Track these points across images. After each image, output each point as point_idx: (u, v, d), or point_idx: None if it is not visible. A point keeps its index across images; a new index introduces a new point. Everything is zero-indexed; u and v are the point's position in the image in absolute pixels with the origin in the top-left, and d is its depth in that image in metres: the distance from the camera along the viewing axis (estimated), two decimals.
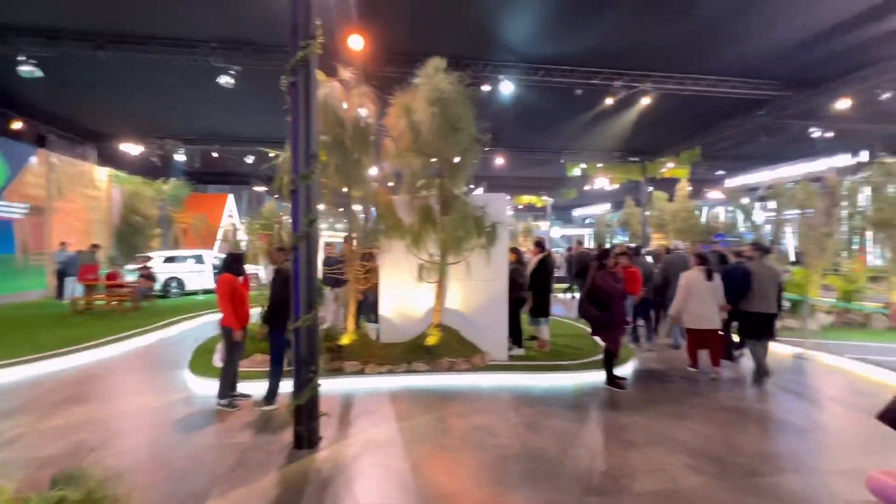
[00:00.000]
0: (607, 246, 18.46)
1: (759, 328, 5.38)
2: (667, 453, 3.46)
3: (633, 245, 10.59)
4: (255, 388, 4.73)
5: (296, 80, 3.49)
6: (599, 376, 5.23)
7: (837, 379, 5.50)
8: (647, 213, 20.30)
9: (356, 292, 5.97)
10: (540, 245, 6.77)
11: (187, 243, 17.18)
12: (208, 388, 4.85)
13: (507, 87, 11.19)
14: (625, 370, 5.69)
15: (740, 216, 9.40)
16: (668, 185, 19.93)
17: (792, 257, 12.25)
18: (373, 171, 6.19)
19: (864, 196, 9.46)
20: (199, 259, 13.79)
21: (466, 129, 5.48)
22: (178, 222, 17.54)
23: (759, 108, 13.00)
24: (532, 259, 6.76)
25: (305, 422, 3.54)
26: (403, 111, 5.53)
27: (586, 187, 23.11)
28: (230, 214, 22.04)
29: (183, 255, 13.96)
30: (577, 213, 27.64)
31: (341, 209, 6.21)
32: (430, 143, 5.47)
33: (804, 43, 9.48)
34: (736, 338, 6.01)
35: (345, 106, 5.58)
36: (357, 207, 6.05)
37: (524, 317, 6.63)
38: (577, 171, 18.81)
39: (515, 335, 6.31)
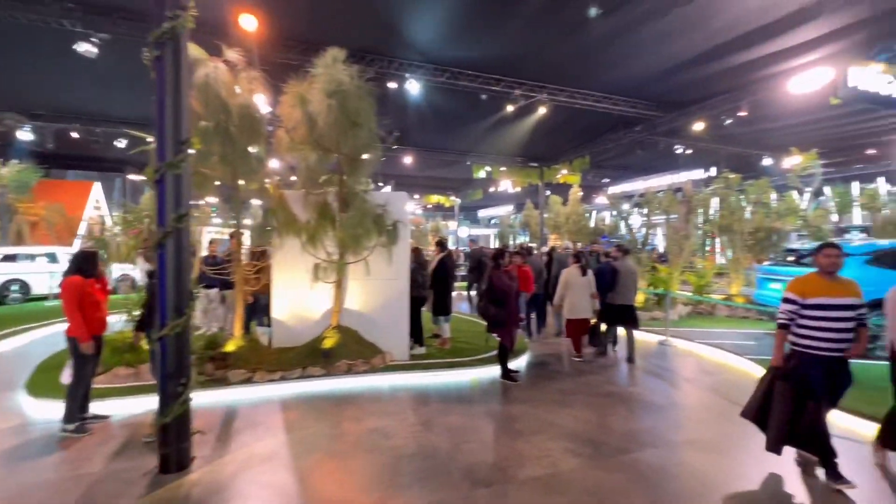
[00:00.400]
0: (509, 245, 19.49)
1: (623, 317, 6.25)
2: (550, 439, 3.71)
3: (527, 245, 11.32)
4: (115, 408, 4.10)
5: (162, 55, 3.07)
6: (496, 371, 5.47)
7: (690, 361, 6.39)
8: (546, 215, 21.86)
9: (244, 294, 5.49)
10: (441, 244, 6.87)
11: (38, 238, 14.45)
12: (52, 411, 4.09)
13: (413, 87, 11.20)
14: (519, 363, 6.01)
15: (620, 220, 10.50)
16: (563, 189, 21.66)
17: (653, 256, 14.10)
18: (266, 163, 5.75)
19: (713, 205, 11.22)
20: (52, 258, 11.65)
21: (367, 124, 5.34)
22: (24, 213, 14.66)
23: (635, 125, 14.71)
24: (433, 258, 6.85)
25: (174, 442, 3.14)
26: (298, 101, 5.21)
27: (491, 189, 24.19)
28: (97, 205, 19.02)
29: (29, 252, 11.69)
30: (483, 213, 28.78)
31: (230, 203, 5.67)
32: (327, 137, 5.23)
33: (670, 70, 10.91)
34: (603, 326, 6.72)
35: (237, 90, 5.10)
36: (247, 202, 5.57)
37: (426, 315, 6.68)
38: (482, 174, 19.56)
39: (417, 334, 6.32)
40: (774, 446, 3.17)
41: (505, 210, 26.19)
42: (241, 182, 5.30)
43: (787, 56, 9.83)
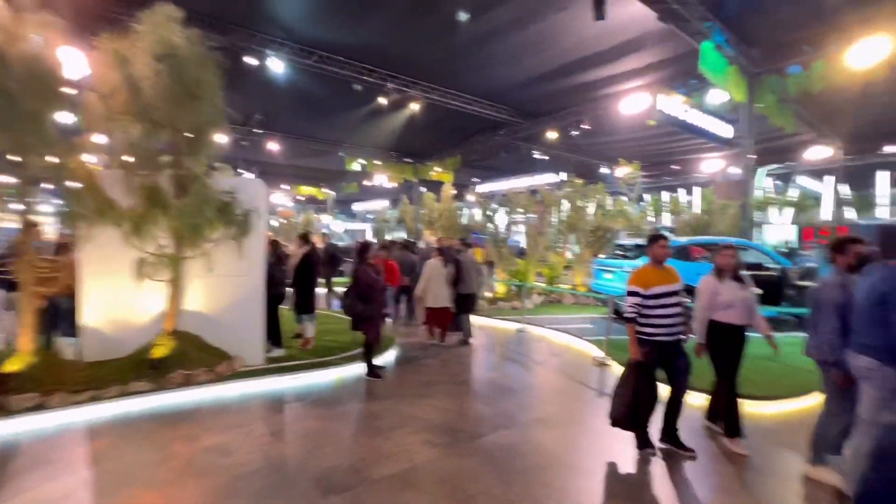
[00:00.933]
0: (392, 238, 19.34)
1: (466, 305, 6.79)
2: (410, 433, 3.68)
3: (405, 239, 11.36)
4: None
5: None
6: (362, 368, 5.28)
7: (542, 345, 7.06)
8: (422, 211, 22.27)
9: (35, 297, 4.33)
10: (305, 238, 6.41)
11: None
12: None
13: (277, 66, 10.27)
14: (386, 358, 5.93)
15: (487, 218, 11.18)
16: (437, 186, 22.31)
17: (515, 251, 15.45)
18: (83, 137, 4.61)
19: (564, 206, 12.65)
20: None
21: (209, 98, 4.64)
22: None
23: (501, 129, 15.83)
24: (296, 252, 6.35)
25: None
26: (117, 61, 4.28)
27: (367, 183, 23.72)
28: None
29: None
30: (358, 207, 28.09)
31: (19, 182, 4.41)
32: (157, 109, 4.41)
33: (528, 81, 11.95)
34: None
35: (23, 38, 3.95)
36: (50, 181, 4.41)
37: (289, 314, 6.16)
38: (356, 166, 19.03)
39: (274, 335, 5.79)
40: (646, 443, 3.35)
41: (381, 204, 25.97)
42: (37, 157, 4.15)
43: (619, 80, 11.55)
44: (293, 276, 6.10)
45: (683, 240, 8.44)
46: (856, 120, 13.41)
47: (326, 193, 27.73)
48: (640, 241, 9.16)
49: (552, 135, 14.44)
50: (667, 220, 19.33)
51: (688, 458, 3.32)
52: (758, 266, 8.06)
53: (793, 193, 16.54)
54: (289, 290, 6.21)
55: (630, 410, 3.28)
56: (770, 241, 15.20)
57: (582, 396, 4.79)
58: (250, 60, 9.95)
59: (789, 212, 16.10)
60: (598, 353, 6.10)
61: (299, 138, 17.35)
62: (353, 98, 12.65)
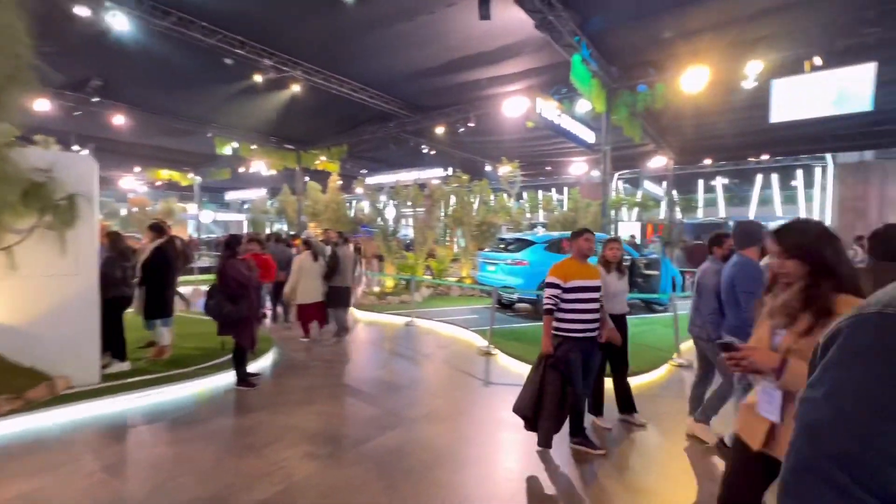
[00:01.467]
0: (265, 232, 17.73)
1: (340, 298, 6.60)
2: (287, 447, 3.33)
3: (280, 232, 10.50)
4: None
5: None
6: (231, 378, 4.68)
7: (430, 338, 7.09)
8: (306, 202, 20.90)
9: None
10: (157, 229, 5.43)
11: None
12: None
13: (121, 23, 8.57)
14: (261, 364, 5.36)
15: (374, 211, 10.88)
16: (322, 176, 21.15)
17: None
18: None
19: (451, 201, 12.96)
20: None
21: (11, 48, 3.59)
22: None
23: (390, 121, 15.56)
24: (147, 246, 5.36)
25: None
26: None
27: (241, 169, 21.45)
28: None
29: None
30: (232, 196, 25.26)
31: None
32: None
33: (417, 74, 11.88)
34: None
35: None
36: None
37: (134, 320, 5.18)
38: (228, 150, 17.04)
39: (116, 346, 4.81)
40: (546, 442, 3.19)
41: (257, 193, 23.70)
42: None
43: (502, 82, 12.14)
44: (142, 274, 5.13)
45: (555, 234, 9.24)
46: (684, 136, 16.16)
47: (191, 179, 24.40)
48: (521, 235, 9.78)
49: (440, 130, 14.65)
50: (541, 216, 21.17)
51: (598, 456, 3.28)
52: None
53: (639, 196, 19.37)
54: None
55: (533, 404, 3.18)
56: (621, 236, 17.60)
57: (469, 387, 4.89)
58: (81, 11, 8.12)
59: (636, 211, 18.83)
60: (483, 342, 6.32)
61: (156, 114, 14.86)
62: (225, 73, 11.21)
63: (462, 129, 14.25)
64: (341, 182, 21.77)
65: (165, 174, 24.37)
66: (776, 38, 8.70)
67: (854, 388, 0.60)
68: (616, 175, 21.54)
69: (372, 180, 19.10)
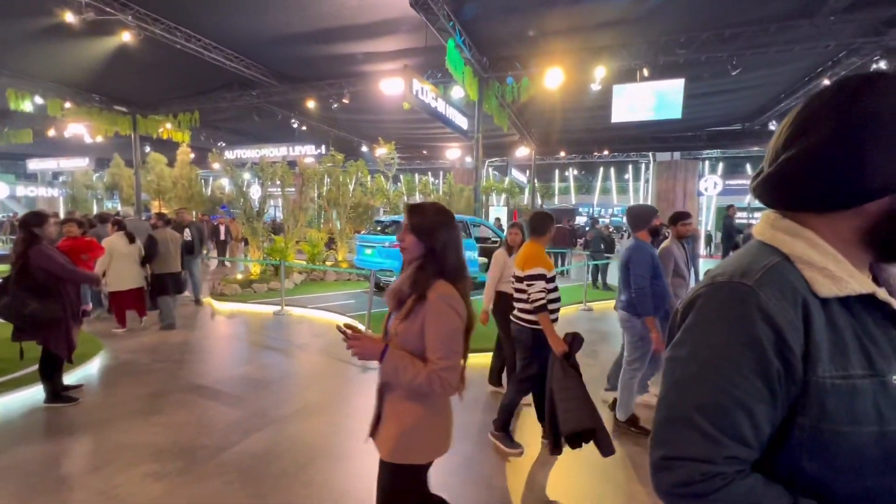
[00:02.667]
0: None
1: (163, 286, 6.22)
2: (122, 469, 2.78)
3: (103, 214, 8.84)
4: None
5: None
6: (39, 394, 3.73)
7: (303, 327, 6.66)
8: (149, 177, 17.70)
9: None
10: None
11: None
12: None
13: None
14: (86, 372, 4.39)
15: (239, 189, 9.67)
16: (169, 147, 18.09)
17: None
18: None
19: (326, 181, 12.24)
20: None
21: None
22: None
23: (252, 89, 13.94)
24: None
25: None
26: None
27: (51, 133, 17.14)
28: None
29: None
30: (37, 165, 20.02)
31: None
32: None
33: (284, 39, 10.80)
34: None
35: None
36: None
37: None
38: (28, 106, 13.40)
39: None
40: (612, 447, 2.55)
41: (76, 164, 19.21)
42: None
43: (378, 59, 11.75)
44: None
45: None
46: (544, 129, 17.85)
47: None
48: (399, 217, 9.72)
49: (312, 105, 13.65)
50: (419, 199, 21.45)
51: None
52: (486, 239, 9.78)
53: (507, 182, 20.91)
54: None
55: (592, 411, 2.56)
56: (490, 220, 18.87)
57: (345, 375, 4.71)
58: None
59: (503, 196, 20.31)
60: (361, 327, 6.15)
61: None
62: (19, 5, 8.68)
63: (336, 106, 13.50)
64: (194, 155, 18.98)
65: None
66: (615, 49, 10.03)
67: (712, 347, 0.68)
68: (486, 162, 22.89)
69: (231, 155, 17.00)
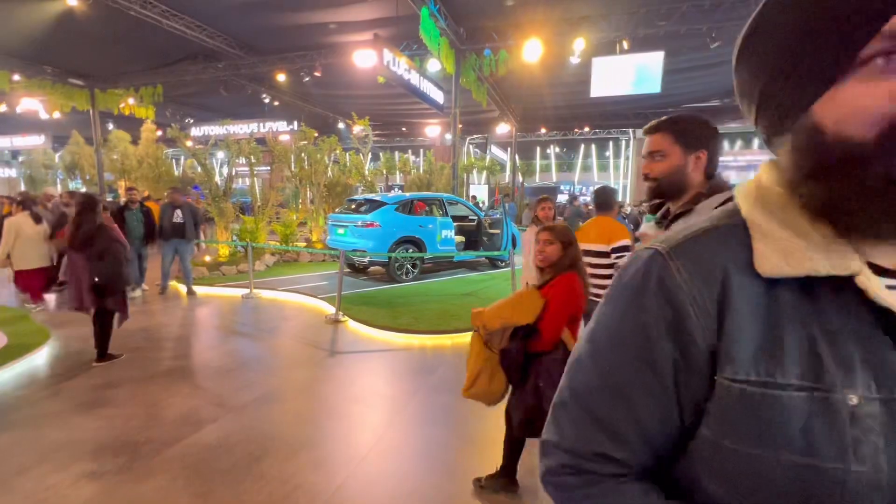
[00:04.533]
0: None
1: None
2: (55, 470, 2.57)
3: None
4: None
5: None
6: None
7: (273, 310, 6.41)
8: (114, 156, 16.80)
9: None
10: None
11: None
12: None
13: None
14: (30, 364, 4.11)
15: (202, 167, 9.18)
16: (135, 125, 17.17)
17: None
18: None
19: (300, 158, 11.78)
20: None
21: None
22: None
23: (217, 61, 13.19)
24: None
25: None
26: None
27: (2, 107, 16.05)
28: None
29: None
30: None
31: None
32: None
33: (250, 6, 10.15)
34: None
35: None
36: None
37: None
38: None
39: None
40: None
41: (33, 142, 18.11)
42: None
43: (350, 29, 11.19)
44: None
45: (407, 195, 9.16)
46: (524, 104, 17.51)
47: None
48: (371, 196, 9.43)
49: (282, 77, 13.02)
50: (399, 178, 21.03)
51: None
52: (464, 217, 9.58)
53: (487, 160, 20.61)
54: None
55: None
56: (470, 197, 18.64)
57: (312, 360, 4.53)
58: None
59: (483, 174, 20.03)
60: (332, 309, 5.96)
61: None
62: None
63: (308, 79, 12.91)
64: (161, 133, 18.07)
65: None
66: (595, 19, 9.73)
67: (605, 326, 0.58)
68: (468, 140, 22.50)
69: (200, 131, 16.25)
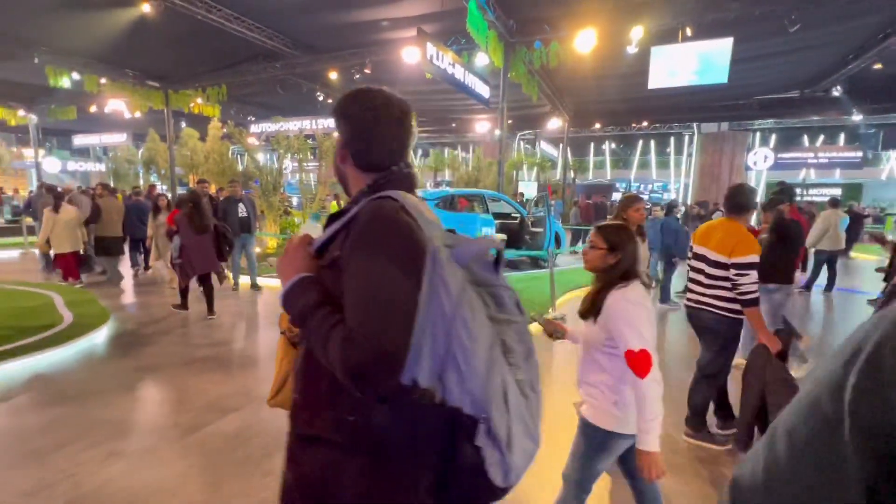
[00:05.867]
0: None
1: (107, 248, 7.34)
2: (88, 447, 2.72)
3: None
4: None
5: None
6: (35, 364, 3.78)
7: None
8: (185, 152, 18.17)
9: None
10: None
11: None
12: None
13: None
14: (90, 342, 4.46)
15: (252, 162, 9.64)
16: (203, 122, 18.43)
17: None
18: None
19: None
20: None
21: None
22: None
23: (276, 61, 13.78)
24: None
25: None
26: None
27: (93, 109, 17.82)
28: None
29: None
30: (82, 140, 21.01)
31: None
32: None
33: (306, 7, 10.48)
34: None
35: None
36: None
37: None
38: (66, 83, 13.87)
39: None
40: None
41: (116, 139, 20.01)
42: None
43: (400, 25, 11.24)
44: None
45: (448, 191, 9.07)
46: (578, 98, 16.80)
47: (24, 118, 19.77)
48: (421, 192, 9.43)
49: (334, 76, 13.37)
50: (448, 174, 21.02)
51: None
52: (507, 215, 9.34)
53: (538, 156, 20.06)
54: None
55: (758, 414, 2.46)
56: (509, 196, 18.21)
57: None
58: None
59: (534, 171, 19.51)
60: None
61: None
62: None
63: (358, 76, 13.16)
64: (226, 130, 19.25)
65: None
66: (656, 5, 9.05)
67: None
68: (518, 136, 22.01)
69: (258, 128, 17.13)
